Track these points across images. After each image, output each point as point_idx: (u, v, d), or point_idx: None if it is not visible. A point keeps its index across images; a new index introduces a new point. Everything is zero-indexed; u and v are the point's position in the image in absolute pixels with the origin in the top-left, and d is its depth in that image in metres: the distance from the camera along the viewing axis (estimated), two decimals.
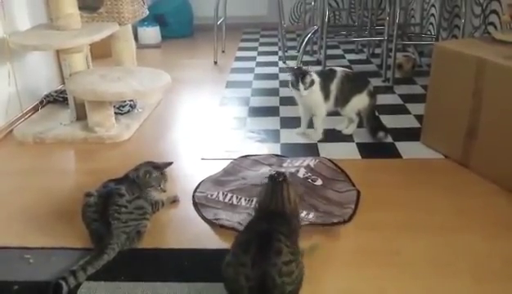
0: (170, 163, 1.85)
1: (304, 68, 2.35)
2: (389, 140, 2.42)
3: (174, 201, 1.88)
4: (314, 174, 1.99)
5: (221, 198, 1.87)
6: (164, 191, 1.80)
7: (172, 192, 1.90)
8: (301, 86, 2.27)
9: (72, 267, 1.44)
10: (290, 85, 2.35)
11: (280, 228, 1.24)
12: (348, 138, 2.47)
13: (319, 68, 3.50)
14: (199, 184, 2.00)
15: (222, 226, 1.71)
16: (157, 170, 1.77)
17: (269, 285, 1.15)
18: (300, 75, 2.27)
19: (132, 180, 1.71)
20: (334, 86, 2.36)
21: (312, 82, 2.28)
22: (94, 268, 1.46)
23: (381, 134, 2.40)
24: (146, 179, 1.74)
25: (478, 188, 1.95)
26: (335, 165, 2.12)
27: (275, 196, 1.33)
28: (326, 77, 2.37)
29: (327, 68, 2.54)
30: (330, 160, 2.15)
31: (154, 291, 1.40)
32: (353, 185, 1.96)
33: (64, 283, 1.38)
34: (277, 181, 1.36)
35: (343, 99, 2.39)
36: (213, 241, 1.67)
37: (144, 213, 1.64)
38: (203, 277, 1.45)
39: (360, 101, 2.40)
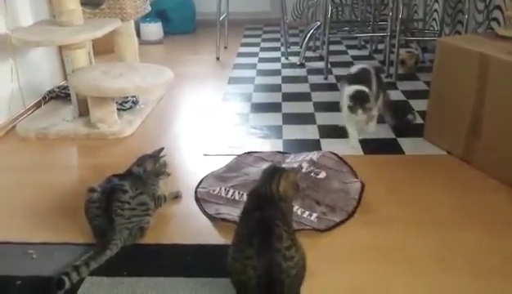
0: (162, 148, 1.84)
1: (365, 91, 2.19)
2: (392, 135, 2.41)
3: (176, 196, 1.89)
4: (317, 167, 1.99)
5: (223, 194, 1.87)
6: (169, 174, 1.81)
7: (175, 187, 1.91)
8: (359, 112, 2.18)
9: (75, 262, 1.45)
10: (348, 109, 2.21)
11: (274, 213, 1.27)
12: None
13: (321, 63, 3.50)
14: (201, 180, 2.01)
15: (223, 220, 1.71)
16: (158, 157, 1.80)
17: (275, 271, 1.19)
18: (359, 101, 2.17)
19: (136, 176, 1.71)
20: (374, 86, 2.32)
21: (371, 108, 2.21)
22: (97, 263, 1.46)
23: (410, 116, 2.49)
24: (157, 167, 1.75)
25: (480, 184, 1.95)
26: (338, 157, 2.12)
27: (266, 182, 1.35)
28: (368, 81, 2.28)
29: (358, 67, 2.39)
30: (333, 153, 2.15)
31: (157, 286, 1.41)
32: (357, 177, 1.96)
33: (66, 279, 1.38)
34: (272, 170, 1.38)
35: (377, 95, 2.35)
36: (215, 236, 1.67)
37: (147, 209, 1.64)
38: (206, 272, 1.46)
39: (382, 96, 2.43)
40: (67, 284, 1.38)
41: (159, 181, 1.78)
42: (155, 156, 1.79)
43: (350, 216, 1.73)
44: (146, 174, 1.72)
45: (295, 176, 1.40)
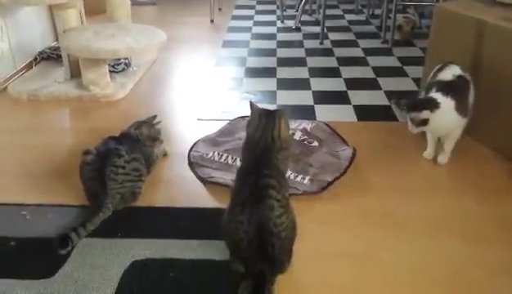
0: (155, 116, 1.89)
1: (436, 100, 1.72)
2: (386, 102, 2.41)
3: (164, 154, 1.93)
4: (310, 137, 1.99)
5: (216, 158, 1.87)
6: (162, 142, 1.87)
7: (169, 151, 1.94)
8: (409, 123, 1.77)
9: (72, 225, 1.45)
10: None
11: (269, 180, 1.26)
12: (344, 100, 2.45)
13: (318, 28, 3.45)
14: (194, 144, 2.01)
15: (216, 183, 1.73)
16: (153, 123, 1.85)
17: (267, 235, 1.23)
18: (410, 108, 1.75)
19: (133, 139, 1.72)
20: (470, 101, 1.83)
21: (425, 122, 1.72)
22: (93, 225, 1.47)
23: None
24: (152, 132, 1.81)
25: (473, 153, 1.96)
26: (331, 129, 2.12)
27: (266, 129, 1.32)
28: (463, 93, 1.79)
29: (452, 74, 1.83)
30: (326, 124, 2.15)
31: (151, 248, 1.42)
32: (348, 146, 1.97)
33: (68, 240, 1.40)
34: (269, 114, 1.35)
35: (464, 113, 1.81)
36: (208, 200, 1.68)
37: (140, 175, 1.65)
38: (199, 234, 1.47)
39: None
40: (69, 244, 1.40)
41: (156, 144, 1.83)
42: (150, 122, 1.83)
43: (342, 174, 1.75)
44: (143, 138, 1.76)
45: (286, 117, 1.37)
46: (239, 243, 1.25)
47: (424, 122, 1.73)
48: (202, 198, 1.69)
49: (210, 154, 1.90)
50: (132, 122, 1.83)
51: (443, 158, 1.86)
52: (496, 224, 1.55)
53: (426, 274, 1.35)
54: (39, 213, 1.58)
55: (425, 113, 1.71)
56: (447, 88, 1.75)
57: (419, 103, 1.78)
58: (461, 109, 1.75)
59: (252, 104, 1.40)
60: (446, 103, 1.72)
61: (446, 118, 1.74)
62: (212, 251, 1.40)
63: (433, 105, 1.71)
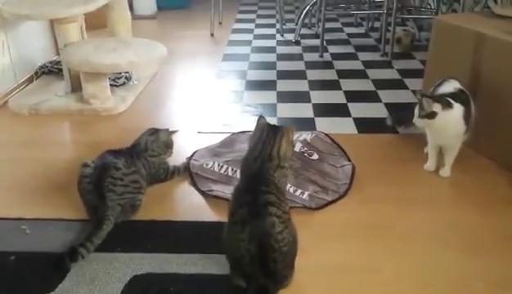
0: (167, 129, 1.87)
1: (449, 100, 1.75)
2: (386, 114, 2.41)
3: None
4: (310, 148, 1.99)
5: (216, 169, 1.87)
6: (172, 153, 1.86)
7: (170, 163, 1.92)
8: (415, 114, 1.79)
9: (78, 240, 1.44)
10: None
11: (268, 197, 1.26)
12: (344, 112, 2.46)
13: (317, 41, 3.47)
14: (194, 153, 2.01)
15: (216, 197, 1.73)
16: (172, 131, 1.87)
17: (269, 252, 1.22)
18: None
19: (132, 153, 1.70)
20: (472, 115, 1.83)
21: (434, 114, 1.73)
22: (99, 239, 1.46)
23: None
24: (170, 139, 1.82)
25: (473, 163, 1.96)
26: (331, 139, 2.12)
27: (265, 145, 1.32)
28: (467, 105, 1.81)
29: (454, 87, 1.86)
30: (326, 134, 2.15)
31: (151, 262, 1.41)
32: (349, 160, 1.97)
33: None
34: (273, 128, 1.34)
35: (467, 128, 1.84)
36: (208, 213, 1.68)
37: (139, 187, 1.64)
38: (199, 248, 1.47)
39: None
40: (79, 258, 1.39)
41: (168, 153, 1.82)
42: (166, 129, 1.85)
43: (342, 196, 1.75)
44: (157, 144, 1.76)
45: (293, 135, 1.37)
46: (240, 260, 1.25)
47: (432, 115, 1.73)
48: (203, 211, 1.69)
49: (210, 164, 1.89)
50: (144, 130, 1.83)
51: (445, 172, 1.88)
52: (498, 236, 1.54)
53: (428, 287, 1.34)
54: (39, 227, 1.57)
55: (436, 106, 1.72)
56: (455, 97, 1.79)
57: (435, 96, 1.82)
58: (467, 118, 1.78)
59: (259, 119, 1.39)
60: (457, 107, 1.76)
61: (454, 121, 1.76)
62: (213, 265, 1.39)
63: (446, 104, 1.74)
